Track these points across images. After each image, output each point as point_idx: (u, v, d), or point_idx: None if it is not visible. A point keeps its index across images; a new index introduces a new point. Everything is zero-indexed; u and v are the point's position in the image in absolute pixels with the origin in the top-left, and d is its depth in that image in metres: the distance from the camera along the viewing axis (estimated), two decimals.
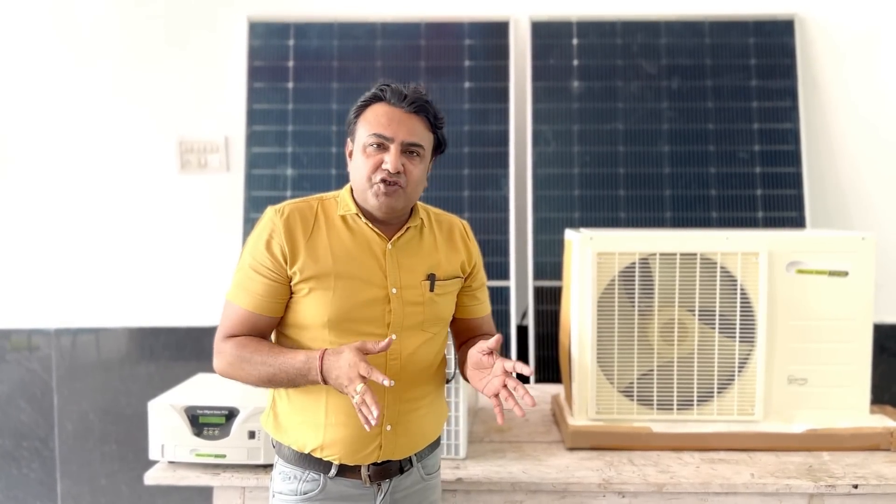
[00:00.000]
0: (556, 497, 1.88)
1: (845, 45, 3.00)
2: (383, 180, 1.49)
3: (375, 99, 1.53)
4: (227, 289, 1.56)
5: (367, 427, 1.37)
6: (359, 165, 1.52)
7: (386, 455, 1.53)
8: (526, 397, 1.43)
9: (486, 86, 3.01)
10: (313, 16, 3.04)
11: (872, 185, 3.00)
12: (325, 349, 1.45)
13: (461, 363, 1.65)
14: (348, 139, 1.58)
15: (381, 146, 1.50)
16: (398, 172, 1.49)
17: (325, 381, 1.44)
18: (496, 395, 1.47)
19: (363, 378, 1.37)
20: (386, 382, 1.36)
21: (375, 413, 1.34)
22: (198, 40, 3.05)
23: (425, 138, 1.54)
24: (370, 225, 1.55)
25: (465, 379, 1.64)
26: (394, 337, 1.46)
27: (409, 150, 1.51)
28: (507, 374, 1.46)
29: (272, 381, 1.49)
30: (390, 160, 1.48)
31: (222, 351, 1.52)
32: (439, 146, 1.60)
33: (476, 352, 1.52)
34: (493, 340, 1.48)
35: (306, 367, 1.44)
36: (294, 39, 3.03)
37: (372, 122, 1.51)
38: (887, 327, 2.95)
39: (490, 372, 1.50)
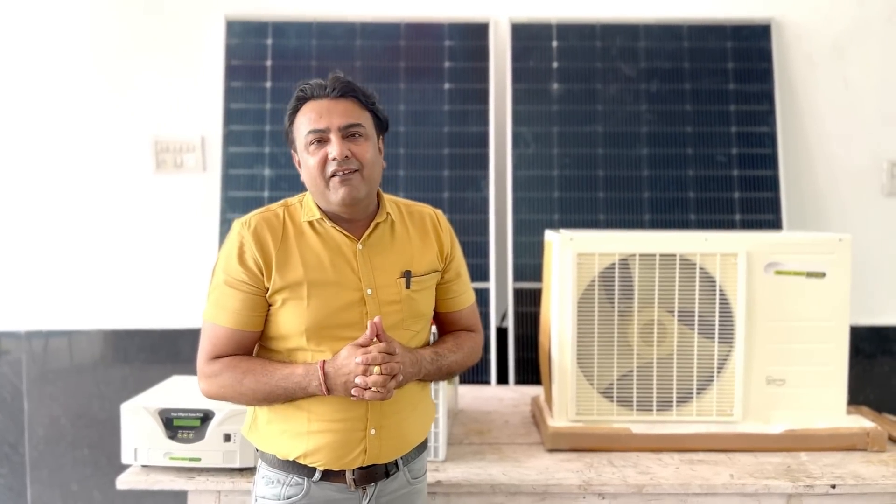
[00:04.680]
0: (536, 499, 1.87)
1: (821, 49, 3.03)
2: (335, 173, 1.46)
3: (301, 101, 1.52)
4: (203, 309, 1.53)
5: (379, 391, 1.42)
6: (308, 167, 1.50)
7: (371, 459, 1.51)
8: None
9: (465, 87, 3.00)
10: (292, 15, 3.01)
11: (848, 188, 3.03)
12: (324, 360, 1.45)
13: None
14: (292, 152, 1.56)
15: (322, 140, 1.48)
16: (346, 157, 1.46)
17: (328, 391, 1.43)
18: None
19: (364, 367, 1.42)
20: (376, 319, 1.44)
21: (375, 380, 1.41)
22: (174, 39, 3.01)
23: (361, 117, 1.52)
24: (337, 227, 1.52)
25: None
26: (377, 319, 1.45)
27: (349, 133, 1.49)
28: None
29: (268, 399, 1.47)
30: (335, 149, 1.46)
31: (211, 375, 1.49)
32: (381, 125, 1.57)
33: None
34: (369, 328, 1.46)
35: (306, 381, 1.43)
36: (272, 38, 3.00)
37: (305, 122, 1.49)
38: (862, 329, 2.98)
39: None
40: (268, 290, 1.48)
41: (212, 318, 1.50)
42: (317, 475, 1.50)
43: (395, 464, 1.56)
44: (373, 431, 1.50)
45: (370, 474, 1.52)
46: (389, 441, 1.52)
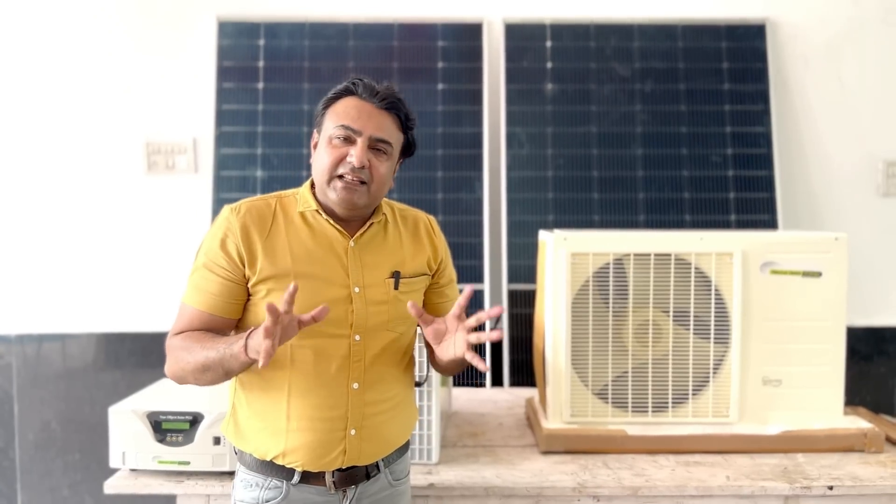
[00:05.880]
0: (531, 501, 1.85)
1: (815, 49, 3.02)
2: (343, 175, 1.45)
3: (347, 92, 1.50)
4: (183, 293, 1.51)
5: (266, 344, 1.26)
6: (322, 157, 1.48)
7: (351, 460, 1.48)
8: (493, 333, 1.36)
9: (459, 88, 2.98)
10: (284, 16, 2.99)
11: (843, 188, 3.02)
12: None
13: (431, 360, 1.61)
14: (314, 131, 1.54)
15: (348, 139, 1.46)
16: (363, 167, 1.45)
17: (245, 350, 1.34)
18: (468, 348, 1.38)
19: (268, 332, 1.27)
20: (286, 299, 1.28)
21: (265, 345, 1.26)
22: (166, 40, 2.99)
23: (394, 136, 1.51)
24: (331, 222, 1.50)
25: (438, 369, 1.59)
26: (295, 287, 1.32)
27: (376, 146, 1.47)
28: (464, 324, 1.41)
29: (207, 367, 1.39)
30: (356, 154, 1.45)
31: (169, 347, 1.46)
32: (408, 148, 1.56)
33: (439, 323, 1.44)
34: (463, 297, 1.41)
35: (237, 345, 1.35)
36: (264, 39, 2.98)
37: (341, 114, 1.47)
38: (858, 330, 2.96)
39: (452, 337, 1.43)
40: (248, 279, 1.46)
41: (187, 300, 1.49)
42: (296, 477, 1.47)
43: (376, 465, 1.53)
44: (353, 432, 1.47)
45: (350, 476, 1.50)
46: (370, 442, 1.50)
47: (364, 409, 1.48)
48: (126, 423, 1.85)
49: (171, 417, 1.85)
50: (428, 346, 1.66)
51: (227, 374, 1.41)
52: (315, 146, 1.53)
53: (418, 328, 1.65)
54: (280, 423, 1.46)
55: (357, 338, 1.47)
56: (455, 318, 1.43)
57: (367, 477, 1.52)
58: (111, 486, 1.85)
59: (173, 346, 1.46)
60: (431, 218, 1.66)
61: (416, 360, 1.70)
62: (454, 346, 1.42)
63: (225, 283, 1.46)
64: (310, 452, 1.46)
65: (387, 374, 1.52)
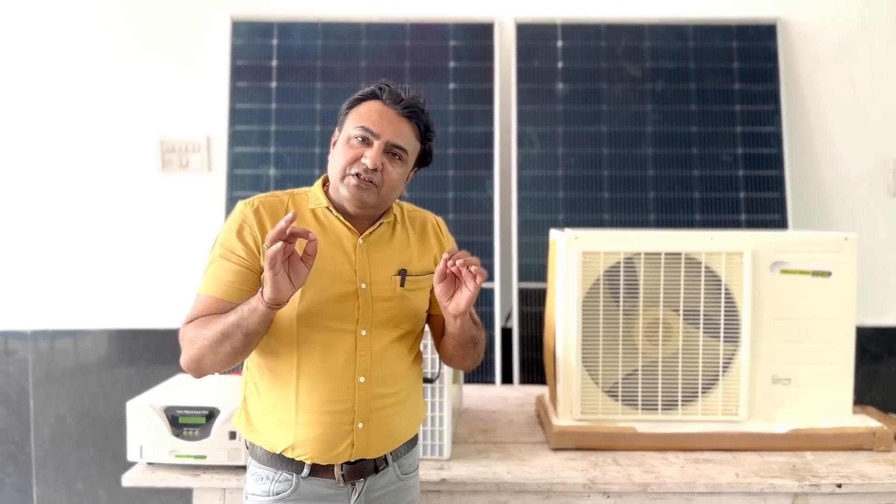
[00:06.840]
0: (541, 497, 1.87)
1: (827, 49, 3.02)
2: (357, 174, 1.48)
3: (372, 96, 1.54)
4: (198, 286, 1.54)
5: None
6: (338, 155, 1.52)
7: (359, 454, 1.51)
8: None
9: (470, 87, 3.00)
10: (297, 15, 3.02)
11: (854, 188, 3.02)
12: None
13: (441, 349, 1.65)
14: (336, 129, 1.58)
15: (366, 140, 1.50)
16: (375, 170, 1.48)
17: (272, 302, 1.36)
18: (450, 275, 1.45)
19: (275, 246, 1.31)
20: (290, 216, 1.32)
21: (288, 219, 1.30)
22: (180, 39, 3.02)
23: (411, 144, 1.54)
24: (341, 219, 1.53)
25: (447, 357, 1.64)
26: (293, 213, 1.34)
27: (392, 150, 1.51)
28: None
29: (225, 334, 1.40)
30: (371, 156, 1.48)
31: (183, 335, 1.47)
32: (424, 158, 1.60)
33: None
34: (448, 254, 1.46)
35: (254, 297, 1.38)
36: (277, 39, 3.00)
37: (363, 116, 1.51)
38: (869, 330, 2.97)
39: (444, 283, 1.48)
40: (262, 269, 1.48)
41: (201, 290, 1.51)
42: (305, 470, 1.50)
43: (385, 459, 1.56)
44: (360, 425, 1.50)
45: (358, 469, 1.52)
46: (377, 435, 1.52)
47: (371, 403, 1.51)
48: (143, 417, 1.88)
49: (187, 412, 1.88)
50: (437, 346, 1.69)
51: (246, 337, 1.40)
52: (334, 144, 1.56)
53: (425, 326, 1.67)
54: (289, 417, 1.49)
55: (363, 332, 1.50)
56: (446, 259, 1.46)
57: (376, 470, 1.54)
58: (129, 479, 1.87)
59: (187, 332, 1.47)
60: (439, 219, 1.70)
61: (425, 356, 1.72)
62: (460, 295, 1.47)
63: (240, 271, 1.48)
64: (318, 445, 1.48)
65: (393, 369, 1.54)
